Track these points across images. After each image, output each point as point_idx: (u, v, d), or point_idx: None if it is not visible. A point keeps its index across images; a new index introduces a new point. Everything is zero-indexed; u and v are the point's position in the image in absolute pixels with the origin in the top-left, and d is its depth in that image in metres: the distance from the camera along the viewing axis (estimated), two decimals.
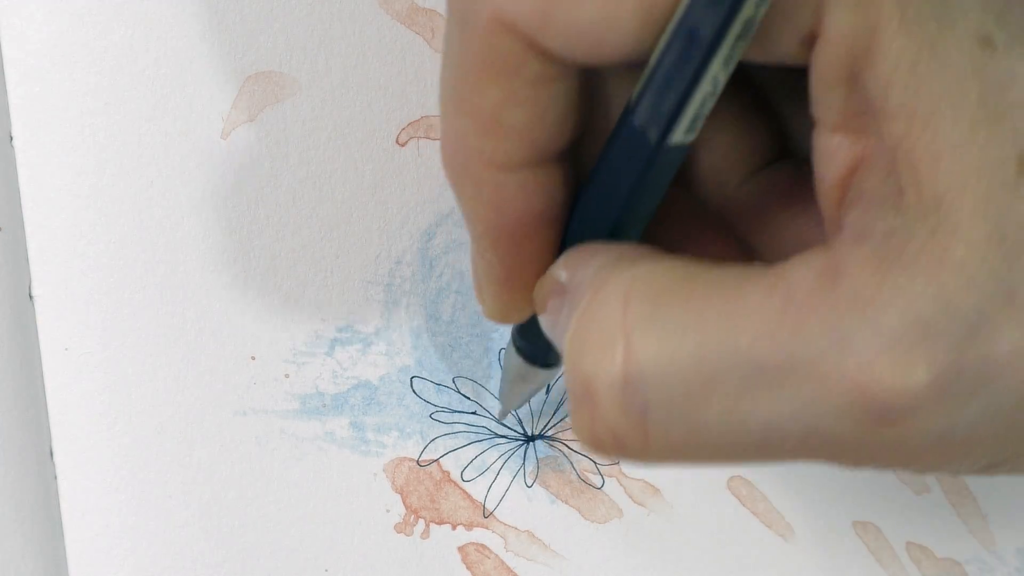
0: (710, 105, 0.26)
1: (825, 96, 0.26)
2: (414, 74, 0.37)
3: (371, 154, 0.37)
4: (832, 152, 0.26)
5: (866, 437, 0.25)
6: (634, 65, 0.26)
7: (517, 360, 0.34)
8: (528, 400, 0.37)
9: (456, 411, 0.38)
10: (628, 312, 0.26)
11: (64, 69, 0.36)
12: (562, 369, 0.30)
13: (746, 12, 0.24)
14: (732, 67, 0.25)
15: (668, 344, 0.26)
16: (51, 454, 0.37)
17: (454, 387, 0.38)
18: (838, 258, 0.25)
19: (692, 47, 0.25)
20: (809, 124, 0.28)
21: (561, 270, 0.29)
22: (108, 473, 0.37)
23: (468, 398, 0.38)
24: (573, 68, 0.27)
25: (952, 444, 0.25)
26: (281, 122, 0.37)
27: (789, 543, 0.38)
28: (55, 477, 0.37)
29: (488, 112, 0.27)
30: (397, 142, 0.37)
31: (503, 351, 0.38)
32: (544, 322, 0.30)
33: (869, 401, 0.24)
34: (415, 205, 0.37)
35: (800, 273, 0.25)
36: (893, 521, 0.38)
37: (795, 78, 0.27)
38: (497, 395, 0.37)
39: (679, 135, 0.26)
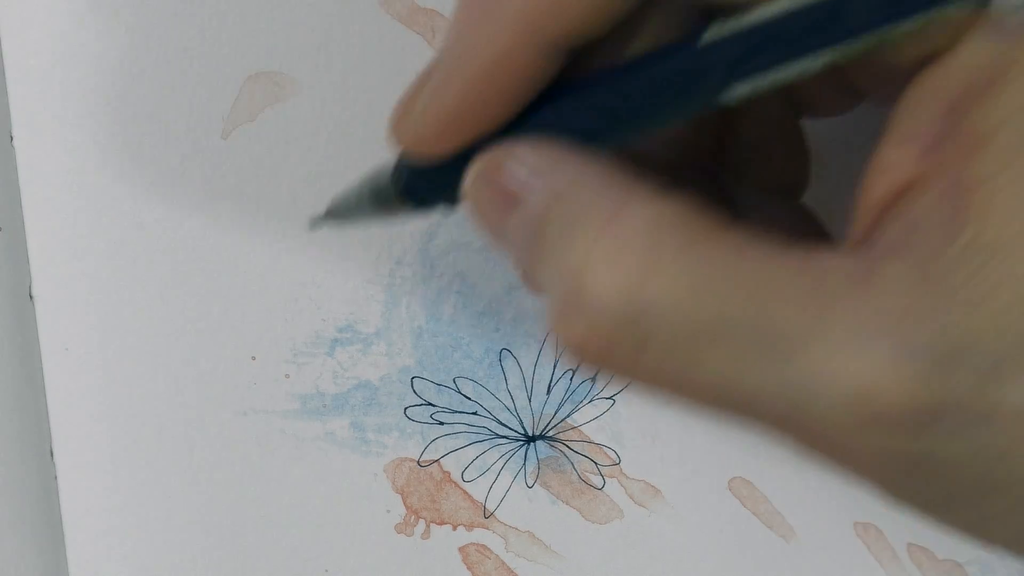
0: (778, 86, 0.25)
1: (914, 111, 0.26)
2: (414, 74, 0.37)
3: (371, 154, 0.37)
4: (892, 165, 0.26)
5: (850, 435, 0.25)
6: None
7: (385, 185, 0.31)
8: (352, 222, 0.33)
9: (457, 411, 0.38)
10: (655, 242, 0.26)
11: (64, 69, 0.36)
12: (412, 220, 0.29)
13: (910, 24, 0.24)
14: (841, 60, 0.24)
15: (693, 282, 0.25)
16: (51, 454, 0.37)
17: (454, 387, 0.38)
18: (874, 265, 0.25)
19: (831, 25, 0.24)
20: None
21: (524, 166, 0.28)
22: (108, 473, 0.37)
23: (469, 398, 0.38)
24: None
25: (923, 469, 0.25)
26: (281, 122, 0.37)
27: (790, 544, 0.38)
28: (55, 477, 0.37)
29: None
30: None
31: (504, 351, 0.38)
32: (484, 199, 0.28)
33: (867, 404, 0.25)
34: None
35: (834, 264, 0.25)
36: (894, 522, 0.38)
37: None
38: (328, 209, 0.33)
39: (735, 92, 0.25)
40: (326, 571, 0.37)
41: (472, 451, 0.38)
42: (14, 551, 0.37)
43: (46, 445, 0.37)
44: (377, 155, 0.37)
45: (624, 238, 0.26)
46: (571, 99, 0.28)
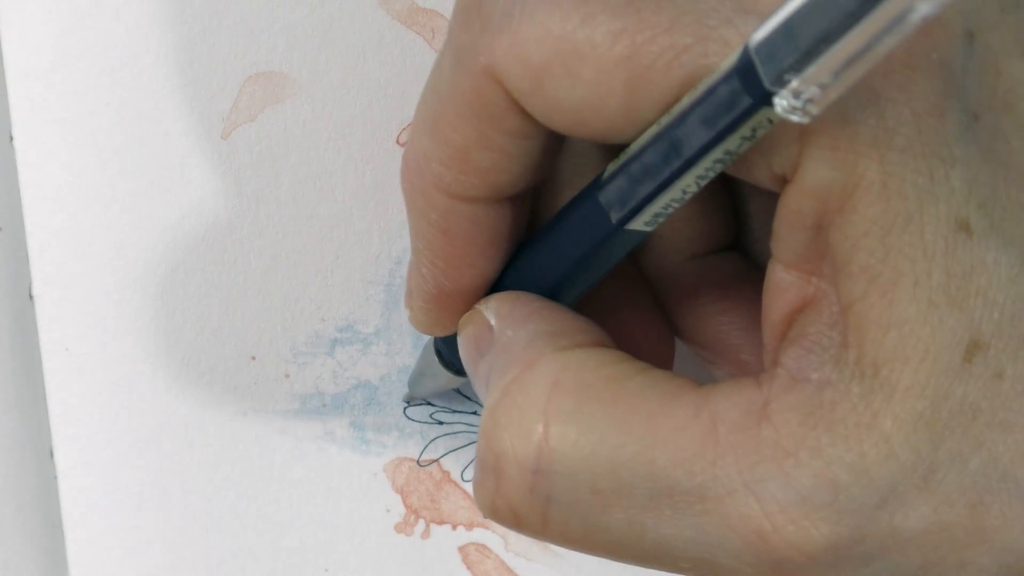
0: (675, 207, 0.26)
1: (786, 233, 0.26)
2: (414, 74, 0.37)
3: (371, 154, 0.37)
4: (783, 287, 0.26)
5: None
6: (608, 143, 0.27)
7: (434, 359, 0.35)
8: (434, 394, 0.37)
9: (456, 411, 0.38)
10: (552, 400, 0.26)
11: (64, 69, 0.36)
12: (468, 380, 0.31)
13: (730, 143, 0.24)
14: (704, 183, 0.25)
15: (585, 443, 0.26)
16: (51, 454, 0.37)
17: (454, 387, 0.38)
18: (768, 399, 0.25)
19: (673, 156, 0.25)
20: (762, 226, 0.28)
21: (491, 314, 0.29)
22: (108, 473, 0.37)
23: (468, 398, 0.38)
24: (549, 131, 0.27)
25: None
26: (281, 122, 0.37)
27: None
28: (55, 477, 0.37)
29: (458, 147, 0.27)
30: (397, 142, 0.37)
31: None
32: (464, 352, 0.30)
33: (766, 550, 0.25)
34: None
35: (728, 404, 0.25)
36: None
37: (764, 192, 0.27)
38: (409, 387, 0.37)
39: (639, 224, 0.27)
40: (326, 571, 0.37)
41: (472, 451, 0.38)
42: (14, 551, 0.37)
43: (46, 445, 0.37)
44: (377, 155, 0.37)
45: (521, 402, 0.27)
46: (519, 259, 0.30)
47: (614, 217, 0.27)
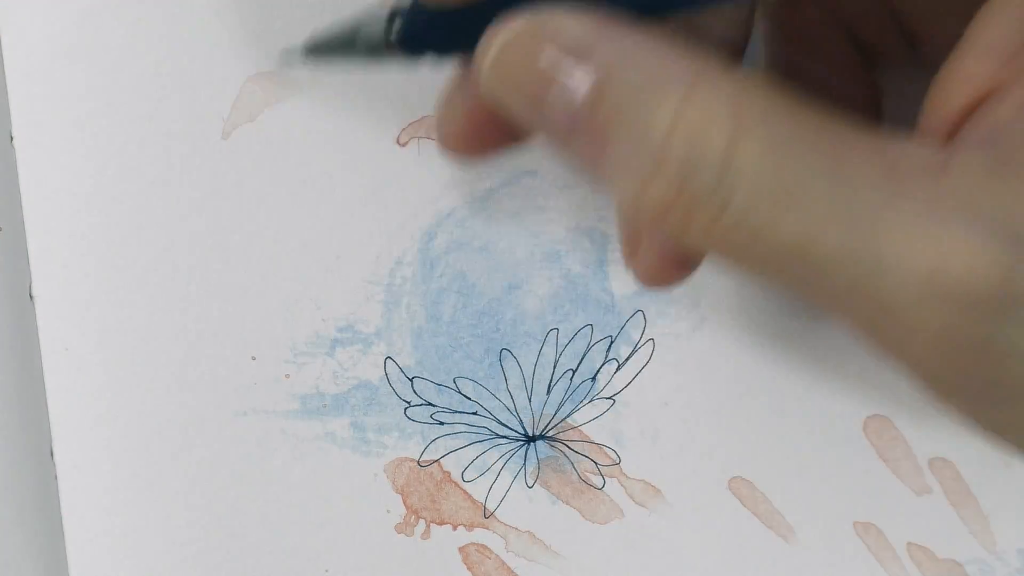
0: None
1: (990, 24, 0.26)
2: (414, 74, 0.37)
3: (371, 154, 0.37)
4: (971, 75, 0.26)
5: (916, 312, 0.25)
6: None
7: (379, 27, 0.29)
8: (333, 64, 0.32)
9: (457, 411, 0.38)
10: (741, 108, 0.26)
11: (64, 69, 0.36)
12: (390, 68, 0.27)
13: None
14: None
15: (775, 149, 0.26)
16: (51, 454, 0.37)
17: (455, 387, 0.38)
18: (952, 156, 0.25)
19: None
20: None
21: (565, 36, 0.26)
22: (108, 473, 0.37)
23: (469, 398, 0.38)
24: None
25: (985, 355, 0.26)
26: (281, 122, 0.37)
27: (790, 544, 0.38)
28: (55, 477, 0.37)
29: None
30: (397, 142, 0.37)
31: (504, 351, 0.38)
32: (527, 70, 0.26)
33: (939, 282, 0.25)
34: (415, 205, 0.37)
35: (911, 151, 0.26)
36: (894, 522, 0.38)
37: None
38: (307, 42, 0.32)
39: None
40: (326, 571, 0.37)
41: (472, 451, 0.38)
42: (14, 551, 0.37)
43: (46, 445, 0.37)
44: (377, 155, 0.37)
45: (710, 104, 0.26)
46: None
47: None
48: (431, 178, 0.37)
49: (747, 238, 0.26)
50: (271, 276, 0.37)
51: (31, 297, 0.37)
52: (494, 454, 0.38)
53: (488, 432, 0.38)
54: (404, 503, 0.38)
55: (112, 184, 0.37)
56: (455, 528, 0.38)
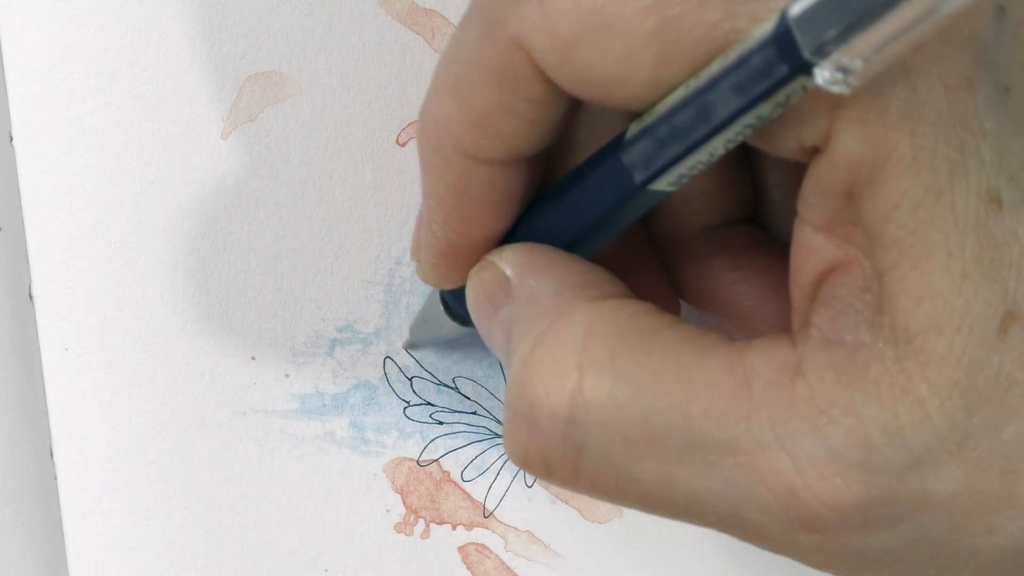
0: (700, 168, 0.26)
1: (816, 200, 0.26)
2: (414, 74, 0.37)
3: (371, 154, 0.37)
4: (812, 249, 0.26)
5: (785, 535, 0.26)
6: (631, 111, 0.27)
7: (439, 309, 0.34)
8: (435, 343, 0.37)
9: (456, 411, 0.38)
10: (587, 350, 0.26)
11: (64, 69, 0.36)
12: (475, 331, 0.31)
13: (763, 110, 0.24)
14: (731, 146, 0.26)
15: (619, 393, 0.26)
16: (51, 454, 0.37)
17: (454, 387, 0.38)
18: (802, 358, 0.25)
19: (702, 120, 0.25)
20: (782, 198, 0.28)
21: (508, 265, 0.29)
22: (108, 473, 0.37)
23: (468, 398, 0.38)
24: (571, 97, 0.27)
25: (867, 560, 0.26)
26: (281, 122, 0.37)
27: None
28: (55, 477, 0.37)
29: (479, 111, 0.27)
30: (397, 142, 0.37)
31: None
32: (473, 304, 0.30)
33: (796, 505, 0.25)
34: (415, 205, 0.37)
35: (762, 360, 0.26)
36: None
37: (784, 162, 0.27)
38: (410, 334, 0.37)
39: (663, 184, 0.27)
40: (326, 571, 0.37)
41: (472, 451, 0.38)
42: (14, 551, 0.37)
43: (46, 445, 0.37)
44: (377, 155, 0.37)
45: (554, 352, 0.27)
46: (534, 214, 0.30)
47: (638, 177, 0.27)
48: None
49: (609, 485, 0.27)
50: (271, 276, 0.37)
51: (31, 297, 0.37)
52: (493, 454, 0.38)
53: (487, 432, 0.38)
54: (403, 503, 0.38)
55: (112, 184, 0.37)
56: (454, 528, 0.38)
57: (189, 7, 0.36)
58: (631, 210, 0.28)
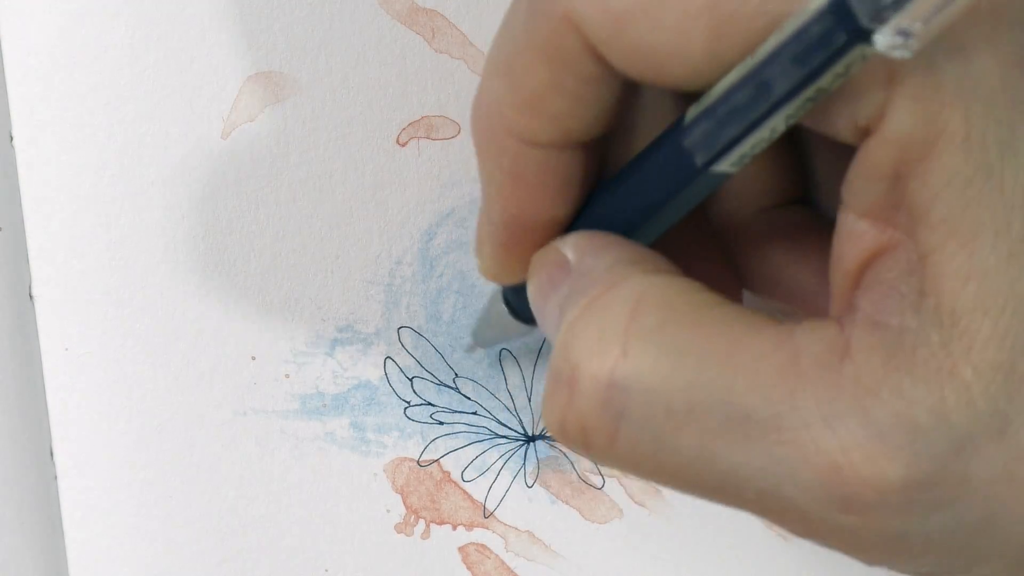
0: (761, 148, 0.26)
1: (862, 183, 0.26)
2: (414, 74, 0.37)
3: (371, 154, 0.37)
4: (857, 235, 0.26)
5: (823, 515, 0.25)
6: (685, 90, 0.26)
7: (502, 308, 0.34)
8: (498, 343, 0.37)
9: (457, 411, 0.38)
10: (635, 318, 0.26)
11: (64, 69, 0.36)
12: (538, 331, 0.31)
13: (823, 81, 0.24)
14: (792, 122, 0.25)
15: (664, 363, 0.26)
16: (51, 454, 0.37)
17: (454, 387, 0.38)
18: (849, 339, 0.25)
19: (762, 96, 0.25)
20: (831, 179, 0.28)
21: (569, 249, 0.29)
22: (108, 473, 0.37)
23: (469, 398, 0.38)
24: (623, 78, 0.27)
25: (904, 546, 0.26)
26: (281, 122, 0.37)
27: (789, 543, 0.38)
28: (55, 477, 0.37)
29: (531, 91, 0.27)
30: (397, 142, 0.37)
31: (504, 351, 0.38)
32: (534, 288, 0.30)
33: (838, 484, 0.25)
34: (415, 205, 0.37)
35: (810, 340, 0.25)
36: None
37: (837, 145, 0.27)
38: (472, 336, 0.37)
39: (725, 166, 0.27)
40: (326, 571, 0.37)
41: (472, 451, 0.38)
42: (14, 551, 0.37)
43: (46, 445, 0.37)
44: (377, 155, 0.37)
45: (602, 318, 0.26)
46: (595, 203, 0.30)
47: (700, 160, 0.26)
48: (431, 178, 0.37)
49: (645, 458, 0.26)
50: (271, 276, 0.37)
51: (31, 297, 0.37)
52: (494, 454, 0.38)
53: (488, 432, 0.38)
54: (404, 503, 0.38)
55: (112, 184, 0.37)
56: (455, 528, 0.38)
57: (189, 7, 0.36)
58: (693, 194, 0.28)
